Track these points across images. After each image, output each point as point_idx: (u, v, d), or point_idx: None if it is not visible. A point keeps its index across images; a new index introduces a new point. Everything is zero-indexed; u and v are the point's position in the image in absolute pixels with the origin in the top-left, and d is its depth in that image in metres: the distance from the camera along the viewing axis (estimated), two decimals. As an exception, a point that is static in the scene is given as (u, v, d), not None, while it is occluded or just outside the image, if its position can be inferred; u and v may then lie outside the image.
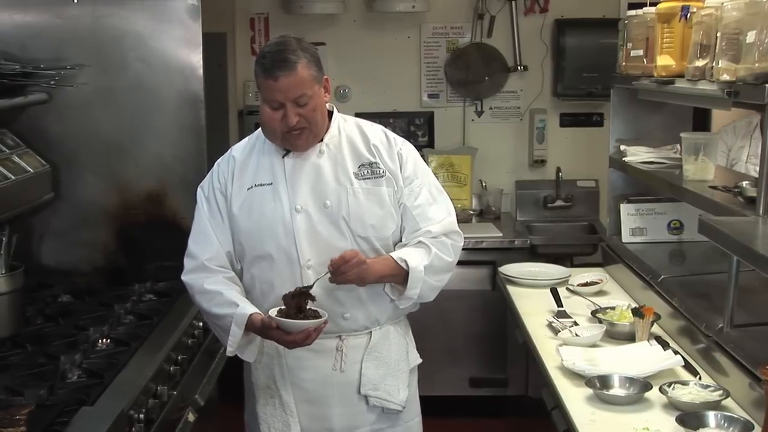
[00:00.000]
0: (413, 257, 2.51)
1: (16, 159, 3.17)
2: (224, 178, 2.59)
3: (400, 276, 2.51)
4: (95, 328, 2.84)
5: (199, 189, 2.64)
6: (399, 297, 2.56)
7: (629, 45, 3.49)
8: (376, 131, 2.65)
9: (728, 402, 2.44)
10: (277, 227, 2.51)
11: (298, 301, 2.40)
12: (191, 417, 2.82)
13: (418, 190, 2.59)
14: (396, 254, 2.51)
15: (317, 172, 2.54)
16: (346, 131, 2.61)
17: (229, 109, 5.27)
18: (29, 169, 3.19)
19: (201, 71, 3.43)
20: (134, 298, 3.24)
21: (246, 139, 2.68)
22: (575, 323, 3.14)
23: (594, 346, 2.92)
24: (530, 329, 3.18)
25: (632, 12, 3.47)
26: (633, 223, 3.74)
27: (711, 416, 2.32)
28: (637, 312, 2.99)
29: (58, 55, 3.33)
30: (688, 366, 2.72)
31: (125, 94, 3.42)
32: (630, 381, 2.57)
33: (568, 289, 3.60)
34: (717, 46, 2.54)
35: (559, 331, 3.06)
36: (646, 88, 3.32)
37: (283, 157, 2.56)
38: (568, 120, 5.37)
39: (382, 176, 2.57)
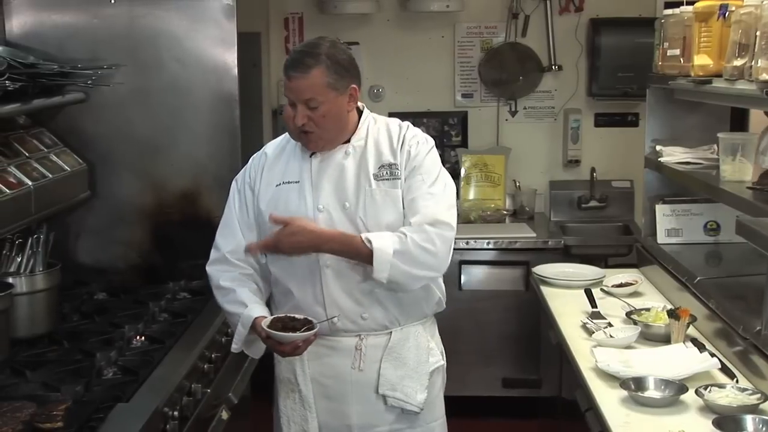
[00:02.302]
0: (381, 239, 2.45)
1: (54, 158, 3.21)
2: (254, 173, 2.64)
3: (363, 255, 2.46)
4: (130, 326, 2.87)
5: (233, 182, 2.70)
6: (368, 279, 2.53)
7: (666, 44, 3.46)
8: (396, 128, 2.63)
9: (766, 405, 2.40)
10: None
11: (290, 321, 2.47)
12: (225, 415, 2.84)
13: (417, 185, 2.54)
14: (364, 234, 2.47)
15: (341, 172, 2.56)
16: (374, 133, 2.61)
17: (263, 108, 5.29)
18: (66, 167, 3.23)
19: (236, 71, 3.45)
20: (169, 296, 3.26)
21: (281, 137, 2.72)
22: (610, 324, 3.11)
23: (629, 347, 2.90)
24: (564, 330, 3.16)
25: (669, 11, 3.44)
26: (669, 224, 3.71)
27: (749, 420, 2.29)
28: (672, 314, 2.96)
29: (95, 55, 3.37)
30: (724, 369, 2.69)
31: (161, 94, 3.44)
32: (665, 383, 2.55)
33: (602, 290, 3.58)
34: (756, 45, 2.51)
35: (594, 333, 3.04)
36: (683, 87, 3.28)
37: (310, 156, 2.58)
38: (603, 120, 5.34)
39: (399, 178, 2.56)
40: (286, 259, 2.55)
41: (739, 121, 4.69)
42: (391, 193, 2.55)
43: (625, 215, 5.21)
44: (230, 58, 3.45)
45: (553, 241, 4.69)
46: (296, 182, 2.58)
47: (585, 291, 3.45)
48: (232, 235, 2.62)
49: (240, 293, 2.55)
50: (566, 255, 4.64)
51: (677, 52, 3.28)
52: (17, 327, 2.74)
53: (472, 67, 5.32)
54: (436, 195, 2.54)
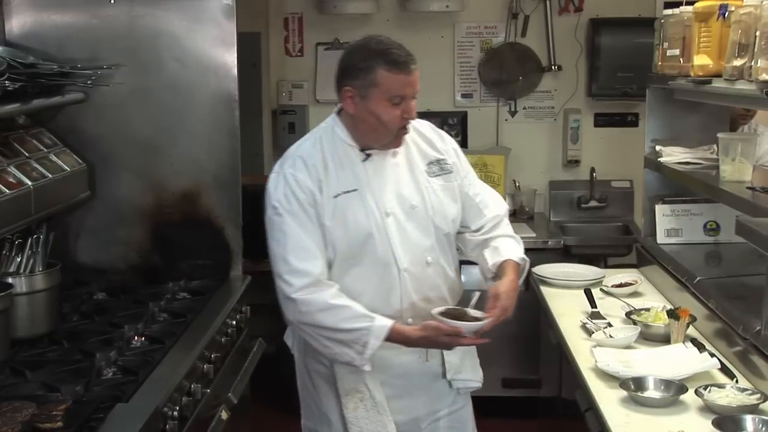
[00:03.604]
0: (518, 250, 2.69)
1: (54, 158, 3.20)
2: (309, 188, 2.51)
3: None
4: (130, 326, 2.86)
5: (272, 203, 2.53)
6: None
7: (665, 44, 3.46)
8: (425, 126, 2.71)
9: (766, 406, 2.41)
10: (371, 234, 2.52)
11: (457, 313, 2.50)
12: (224, 415, 2.83)
13: (472, 179, 2.74)
14: (505, 257, 2.64)
15: (396, 173, 2.58)
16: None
17: (263, 108, 5.30)
18: (66, 167, 3.22)
19: (235, 71, 3.45)
20: (168, 297, 3.26)
21: (306, 144, 2.61)
22: (609, 324, 3.11)
23: (628, 347, 2.90)
24: (564, 330, 3.16)
25: (669, 11, 3.44)
26: (668, 224, 3.71)
27: (748, 420, 2.29)
28: (672, 314, 2.96)
29: (95, 54, 3.36)
30: (724, 369, 2.69)
31: (160, 94, 3.44)
32: (665, 383, 2.55)
33: (602, 290, 3.58)
34: (756, 45, 2.51)
35: (593, 333, 3.04)
36: (683, 87, 3.29)
37: (362, 161, 2.56)
38: (603, 120, 5.34)
39: (451, 172, 2.66)
40: (360, 266, 2.53)
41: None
42: (448, 187, 2.65)
43: (624, 215, 5.21)
44: (230, 58, 3.44)
45: (552, 241, 4.69)
46: (354, 190, 2.53)
47: (585, 291, 3.45)
48: (314, 257, 2.49)
49: (356, 307, 2.47)
50: (566, 255, 4.64)
51: (677, 52, 3.28)
52: (17, 327, 2.73)
53: (471, 67, 5.32)
54: (486, 187, 2.78)
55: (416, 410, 2.67)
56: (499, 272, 2.64)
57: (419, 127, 2.68)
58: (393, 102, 2.45)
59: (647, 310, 3.15)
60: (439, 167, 2.64)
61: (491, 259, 2.67)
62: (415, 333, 2.47)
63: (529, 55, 5.24)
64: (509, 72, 5.25)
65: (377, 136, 2.53)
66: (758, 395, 2.43)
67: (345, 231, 2.51)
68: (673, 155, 3.56)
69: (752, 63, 2.52)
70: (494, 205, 2.76)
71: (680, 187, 3.70)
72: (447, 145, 2.72)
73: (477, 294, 2.60)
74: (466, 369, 2.73)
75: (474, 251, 2.75)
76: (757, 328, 2.61)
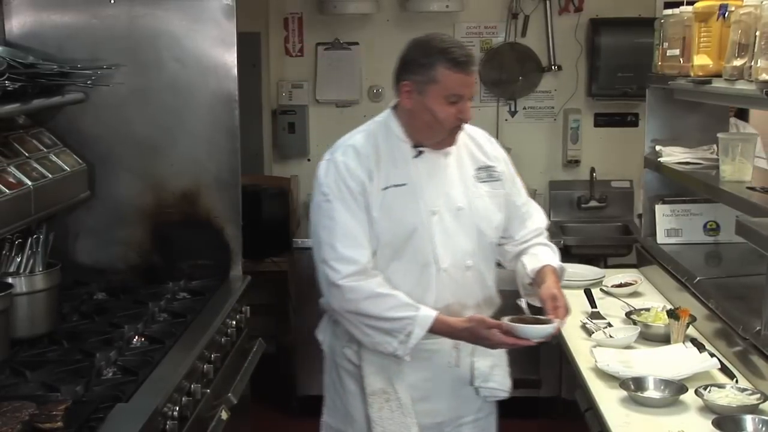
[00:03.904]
0: (554, 258, 2.70)
1: (53, 158, 3.20)
2: (359, 176, 2.51)
3: None
4: (130, 326, 2.86)
5: (322, 190, 2.54)
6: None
7: (665, 44, 3.46)
8: (478, 132, 2.72)
9: (766, 406, 2.41)
10: (416, 230, 2.52)
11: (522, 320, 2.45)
12: (224, 415, 2.83)
13: (519, 189, 2.77)
14: (544, 263, 2.65)
15: (446, 173, 2.58)
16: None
17: (263, 108, 5.30)
18: (66, 167, 3.22)
19: (235, 71, 3.44)
20: (168, 296, 3.26)
21: (359, 136, 2.60)
22: (609, 324, 3.11)
23: (628, 347, 2.90)
24: (564, 330, 3.15)
25: (668, 11, 3.44)
26: (668, 224, 3.71)
27: (748, 420, 2.29)
28: (672, 314, 2.96)
29: (95, 55, 3.36)
30: (724, 369, 2.69)
31: (160, 94, 3.44)
32: (665, 383, 2.55)
33: (602, 290, 3.58)
34: (756, 45, 2.51)
35: (593, 333, 3.04)
36: (683, 87, 3.29)
37: (414, 157, 2.56)
38: (603, 120, 5.35)
39: (499, 180, 2.67)
40: (400, 261, 2.52)
41: (740, 119, 4.72)
42: (495, 194, 2.64)
43: (624, 215, 5.21)
44: (230, 58, 3.44)
45: (552, 241, 4.66)
46: (403, 185, 2.53)
47: (584, 291, 3.45)
48: (362, 246, 2.49)
49: (401, 296, 2.47)
50: (566, 255, 4.61)
51: (677, 52, 3.28)
52: (17, 327, 2.73)
53: (471, 67, 5.31)
54: (531, 200, 2.84)
55: (441, 415, 2.65)
56: (537, 278, 2.63)
57: (472, 132, 2.69)
58: (450, 100, 2.45)
59: (647, 310, 3.15)
60: (487, 173, 2.64)
61: (530, 264, 2.66)
62: (460, 324, 2.45)
63: (529, 55, 5.24)
64: (509, 72, 5.25)
65: (431, 133, 2.52)
66: (758, 395, 2.43)
67: (390, 224, 2.51)
68: (673, 155, 3.56)
69: (752, 63, 2.53)
70: (537, 216, 2.80)
71: (680, 187, 3.70)
72: (498, 153, 2.73)
73: (524, 300, 2.60)
74: (495, 377, 2.70)
75: (512, 261, 2.76)
76: (757, 328, 2.61)
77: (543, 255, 2.70)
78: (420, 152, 2.56)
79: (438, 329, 2.47)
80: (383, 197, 2.51)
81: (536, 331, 2.39)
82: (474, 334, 2.44)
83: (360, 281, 2.47)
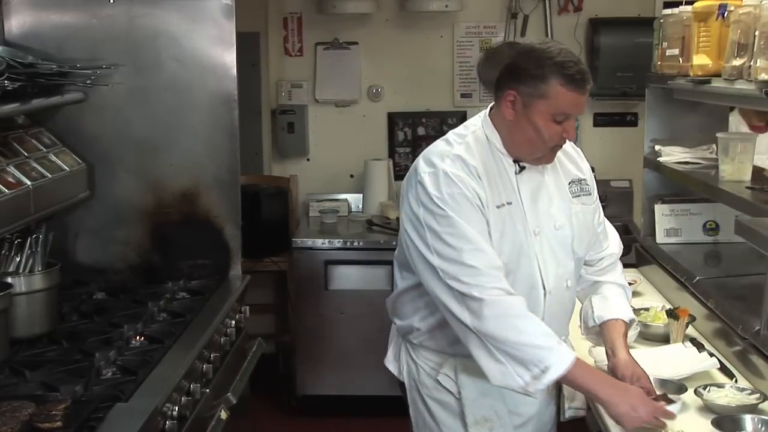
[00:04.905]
0: (626, 311, 2.59)
1: (53, 157, 3.20)
2: (474, 188, 2.30)
3: None
4: (129, 326, 2.86)
5: (436, 203, 2.28)
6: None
7: (665, 44, 3.46)
8: (567, 144, 2.46)
9: (765, 405, 2.41)
10: (523, 252, 2.36)
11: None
12: (223, 415, 2.83)
13: (599, 205, 2.58)
14: (615, 316, 2.54)
15: (545, 190, 2.41)
16: None
17: (262, 108, 5.30)
18: (65, 167, 3.22)
19: (234, 71, 3.44)
20: (168, 296, 3.26)
21: (460, 146, 2.37)
22: (609, 324, 3.11)
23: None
24: (563, 330, 3.16)
25: (668, 11, 3.44)
26: (668, 223, 3.71)
27: (748, 419, 2.29)
28: (671, 313, 2.96)
29: (94, 54, 3.36)
30: (723, 368, 2.69)
31: (159, 94, 3.44)
32: (664, 383, 2.54)
33: (601, 290, 3.57)
34: (755, 45, 2.51)
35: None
36: (682, 87, 3.29)
37: (516, 173, 2.38)
38: (602, 120, 5.34)
39: (590, 194, 2.51)
40: (510, 285, 2.29)
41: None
42: (587, 210, 2.50)
43: (624, 215, 5.20)
44: (229, 58, 3.44)
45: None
46: (509, 203, 2.35)
47: (584, 291, 3.45)
48: (494, 259, 2.27)
49: (543, 324, 2.27)
50: (565, 255, 4.63)
51: (676, 51, 3.28)
52: (16, 327, 2.73)
53: (471, 66, 5.32)
54: (607, 220, 2.66)
55: None
56: (604, 330, 2.51)
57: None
58: (556, 119, 2.25)
59: (646, 309, 3.15)
60: (579, 187, 2.49)
61: (598, 310, 2.54)
62: (617, 382, 2.30)
63: (529, 55, 5.23)
64: (508, 72, 5.24)
65: (531, 149, 2.33)
66: (757, 395, 2.43)
67: (500, 245, 2.32)
68: (672, 155, 3.56)
69: (751, 63, 2.53)
70: (613, 239, 2.65)
71: (680, 187, 3.70)
72: (586, 165, 2.57)
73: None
74: (578, 395, 2.52)
75: (582, 291, 2.63)
76: (757, 327, 2.61)
77: (614, 302, 2.55)
78: (522, 168, 2.38)
79: (576, 374, 2.23)
80: (497, 215, 2.32)
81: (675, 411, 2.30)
82: (639, 398, 2.25)
83: (503, 296, 2.24)
